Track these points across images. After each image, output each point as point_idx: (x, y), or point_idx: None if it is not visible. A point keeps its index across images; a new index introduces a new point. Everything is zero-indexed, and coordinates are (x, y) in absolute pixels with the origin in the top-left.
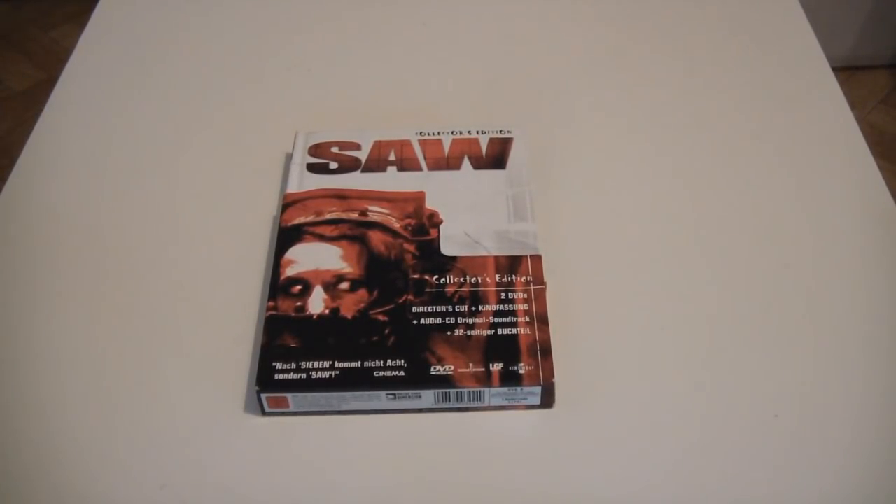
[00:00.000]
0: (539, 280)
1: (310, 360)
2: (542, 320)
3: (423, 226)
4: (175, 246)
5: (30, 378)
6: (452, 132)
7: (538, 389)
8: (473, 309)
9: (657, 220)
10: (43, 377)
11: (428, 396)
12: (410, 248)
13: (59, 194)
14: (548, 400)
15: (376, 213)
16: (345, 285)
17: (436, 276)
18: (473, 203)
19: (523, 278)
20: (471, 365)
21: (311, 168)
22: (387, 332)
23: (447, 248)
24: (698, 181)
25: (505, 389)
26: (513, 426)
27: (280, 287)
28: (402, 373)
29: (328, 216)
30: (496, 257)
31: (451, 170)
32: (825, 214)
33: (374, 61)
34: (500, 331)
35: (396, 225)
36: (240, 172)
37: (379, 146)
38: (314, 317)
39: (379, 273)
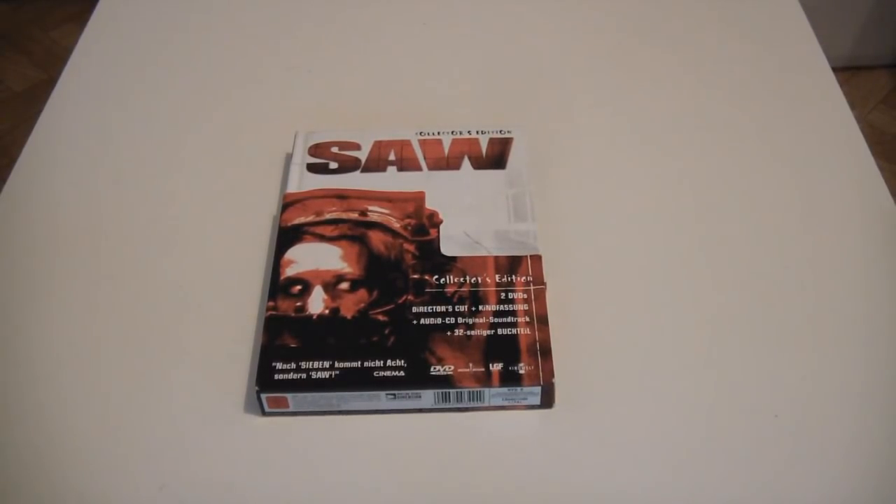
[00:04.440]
0: (539, 280)
1: (310, 360)
2: (542, 320)
3: (423, 226)
4: (175, 246)
5: (29, 378)
6: (452, 132)
7: (538, 389)
8: (473, 309)
9: (657, 219)
10: (42, 377)
11: (428, 396)
12: (410, 248)
13: (59, 194)
14: (548, 400)
15: (376, 213)
16: (345, 285)
17: (436, 276)
18: (473, 203)
19: (523, 278)
20: (471, 365)
21: (311, 168)
22: (387, 332)
23: (447, 248)
24: (698, 181)
25: (505, 389)
26: (513, 426)
27: (280, 287)
28: (402, 373)
29: (328, 216)
30: (496, 257)
31: (451, 170)
32: (825, 214)
33: (374, 61)
34: (500, 331)
35: (396, 225)
36: (240, 172)
37: (379, 146)
38: (314, 317)
39: (379, 273)
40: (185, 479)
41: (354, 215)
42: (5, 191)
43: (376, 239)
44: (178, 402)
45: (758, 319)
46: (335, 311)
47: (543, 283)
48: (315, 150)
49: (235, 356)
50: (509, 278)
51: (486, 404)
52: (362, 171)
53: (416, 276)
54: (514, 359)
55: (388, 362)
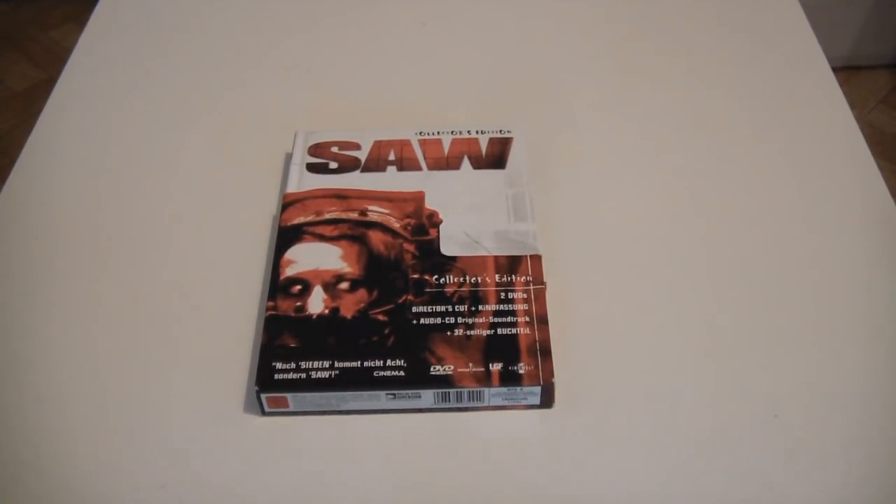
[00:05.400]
0: (539, 280)
1: (310, 360)
2: (542, 320)
3: (423, 226)
4: (175, 246)
5: (29, 378)
6: (452, 132)
7: (538, 389)
8: (473, 309)
9: (657, 219)
10: (42, 377)
11: (428, 396)
12: (410, 248)
13: (59, 194)
14: (547, 400)
15: (376, 212)
16: (344, 285)
17: (436, 276)
18: (473, 203)
19: (523, 278)
20: (470, 365)
21: (311, 168)
22: (387, 332)
23: (447, 248)
24: (698, 181)
25: (505, 389)
26: (512, 426)
27: (280, 287)
28: (402, 373)
29: (328, 216)
30: (496, 257)
31: (451, 170)
32: (825, 214)
33: (373, 61)
34: (499, 331)
35: (396, 225)
36: (240, 172)
37: (379, 146)
38: (314, 317)
39: (379, 273)
40: (185, 479)
41: (354, 215)
42: (5, 191)
43: (376, 239)
44: (178, 401)
45: (758, 319)
46: (335, 311)
47: (543, 283)
48: (315, 150)
49: (235, 356)
50: (509, 278)
51: (485, 404)
52: (362, 170)
53: (415, 276)
54: (513, 359)
55: (388, 362)
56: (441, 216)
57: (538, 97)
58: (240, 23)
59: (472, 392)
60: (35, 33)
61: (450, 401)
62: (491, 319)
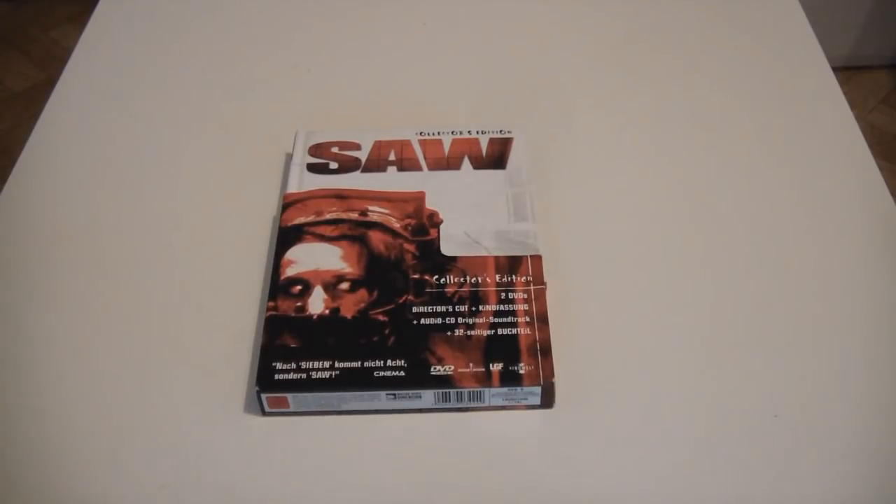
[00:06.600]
0: (539, 280)
1: (310, 360)
2: (542, 320)
3: (423, 226)
4: (175, 246)
5: (30, 378)
6: (452, 132)
7: (538, 389)
8: (473, 309)
9: (657, 219)
10: (43, 377)
11: (428, 396)
12: (410, 248)
13: (59, 194)
14: (548, 400)
15: (376, 213)
16: (345, 285)
17: (436, 276)
18: (473, 203)
19: (523, 278)
20: (471, 365)
21: (311, 168)
22: (387, 332)
23: (447, 248)
24: (698, 181)
25: (505, 389)
26: (513, 426)
27: (280, 287)
28: (402, 373)
29: (328, 216)
30: (496, 257)
31: (451, 170)
32: (825, 214)
33: (374, 61)
34: (500, 331)
35: (396, 225)
36: (240, 172)
37: (379, 146)
38: (314, 317)
39: (379, 273)
40: (185, 479)
41: (354, 215)
42: (5, 191)
43: (376, 239)
44: (179, 402)
45: (757, 319)
46: (335, 311)
47: (543, 283)
48: (315, 150)
49: (235, 356)
50: (509, 278)
51: (486, 404)
52: (362, 171)
53: (416, 276)
54: (514, 359)
55: (388, 362)
56: (441, 216)
57: (538, 97)
58: (240, 23)
59: (473, 392)
60: (35, 33)
61: (450, 401)
62: (491, 319)
